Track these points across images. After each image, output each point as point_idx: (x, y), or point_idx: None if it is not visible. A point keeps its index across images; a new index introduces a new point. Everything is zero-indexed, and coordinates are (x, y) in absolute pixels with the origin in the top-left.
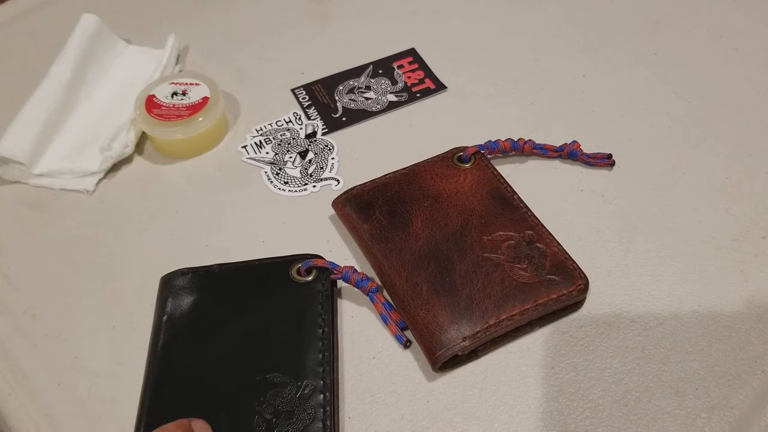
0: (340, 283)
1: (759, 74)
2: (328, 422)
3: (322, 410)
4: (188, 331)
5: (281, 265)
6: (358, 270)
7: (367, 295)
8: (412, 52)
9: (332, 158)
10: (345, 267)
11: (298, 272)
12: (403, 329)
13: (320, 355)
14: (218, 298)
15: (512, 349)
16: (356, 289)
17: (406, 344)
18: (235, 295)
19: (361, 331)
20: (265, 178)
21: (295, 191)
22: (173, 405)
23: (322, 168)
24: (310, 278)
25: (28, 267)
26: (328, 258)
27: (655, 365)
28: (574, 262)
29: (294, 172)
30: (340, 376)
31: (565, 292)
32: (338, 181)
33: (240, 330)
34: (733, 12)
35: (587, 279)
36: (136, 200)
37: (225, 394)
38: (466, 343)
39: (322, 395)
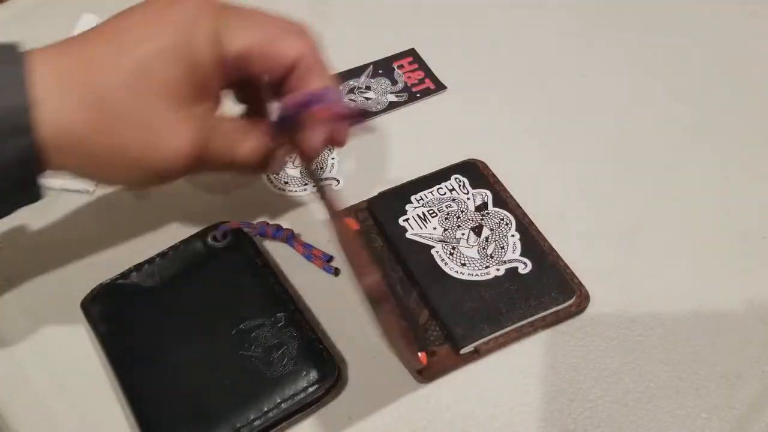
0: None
1: (759, 75)
2: (312, 335)
3: (302, 329)
4: (140, 335)
5: (196, 242)
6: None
7: (286, 242)
8: (412, 52)
9: (332, 158)
10: (258, 223)
11: (215, 239)
12: (328, 261)
13: (275, 288)
14: (153, 295)
15: (512, 349)
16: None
17: (336, 272)
18: (169, 284)
19: (361, 333)
20: (265, 178)
21: (295, 191)
22: (163, 396)
23: (322, 168)
24: (227, 241)
25: (29, 267)
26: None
27: (655, 365)
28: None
29: (294, 172)
30: (344, 369)
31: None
32: (338, 181)
33: (193, 307)
34: (733, 12)
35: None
36: (136, 200)
37: (213, 361)
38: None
39: (295, 317)
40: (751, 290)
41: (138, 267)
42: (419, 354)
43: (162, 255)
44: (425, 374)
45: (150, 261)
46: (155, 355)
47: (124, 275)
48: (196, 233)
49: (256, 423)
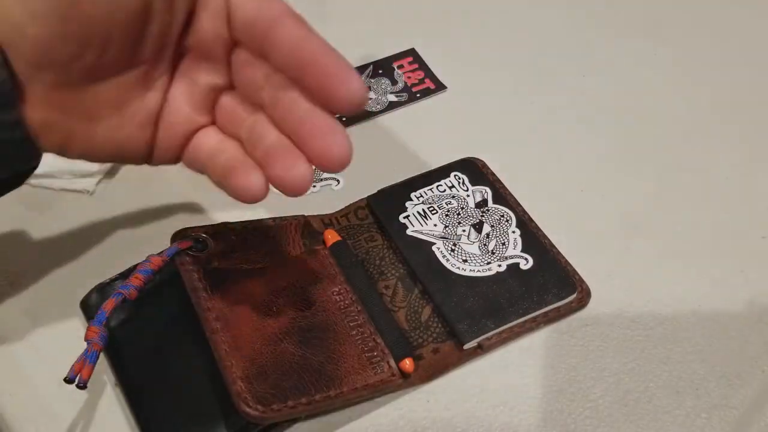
0: None
1: (759, 74)
2: None
3: None
4: (139, 334)
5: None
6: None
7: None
8: (412, 52)
9: None
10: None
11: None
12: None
13: None
14: (152, 294)
15: (512, 349)
16: None
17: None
18: (169, 283)
19: None
20: None
21: None
22: (164, 396)
23: None
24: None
25: (28, 267)
26: None
27: (655, 365)
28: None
29: None
30: None
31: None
32: (338, 181)
33: (193, 306)
34: (733, 12)
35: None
36: (136, 200)
37: (213, 360)
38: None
39: None
40: (751, 290)
41: (136, 267)
42: (407, 360)
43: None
44: (415, 377)
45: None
46: (155, 355)
47: (123, 275)
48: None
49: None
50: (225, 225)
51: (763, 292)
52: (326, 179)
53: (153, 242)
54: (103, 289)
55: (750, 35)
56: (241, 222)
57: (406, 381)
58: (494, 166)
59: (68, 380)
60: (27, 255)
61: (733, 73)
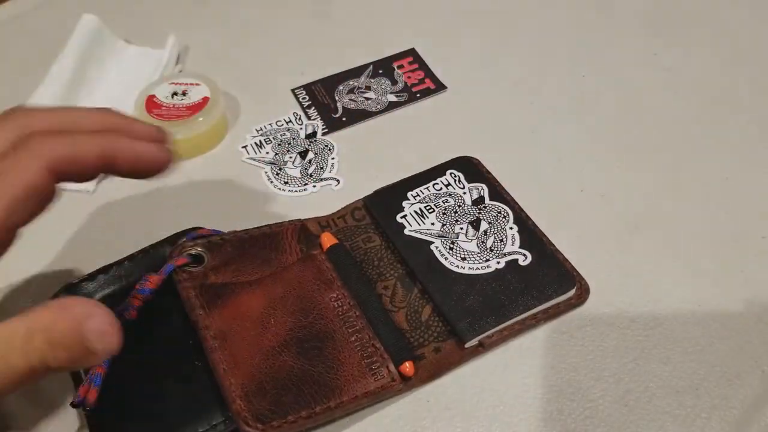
0: None
1: (759, 74)
2: None
3: None
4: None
5: (164, 246)
6: None
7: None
8: (412, 52)
9: (332, 158)
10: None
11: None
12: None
13: None
14: (119, 298)
15: (512, 349)
16: None
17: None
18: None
19: None
20: (265, 178)
21: (295, 191)
22: (125, 400)
23: (322, 168)
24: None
25: (29, 267)
26: None
27: (655, 365)
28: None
29: (294, 172)
30: None
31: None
32: (338, 181)
33: (158, 311)
34: (733, 12)
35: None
36: (136, 200)
37: (174, 367)
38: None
39: None
40: (751, 290)
41: (105, 269)
42: (407, 364)
43: (130, 258)
44: (416, 379)
45: (118, 263)
46: (119, 359)
47: (91, 277)
48: (166, 238)
49: (219, 428)
50: (221, 237)
51: (763, 292)
52: (326, 179)
53: (153, 242)
54: (68, 291)
55: (750, 35)
56: (237, 231)
57: (407, 384)
58: (495, 166)
59: (75, 405)
60: (26, 255)
61: (733, 73)
